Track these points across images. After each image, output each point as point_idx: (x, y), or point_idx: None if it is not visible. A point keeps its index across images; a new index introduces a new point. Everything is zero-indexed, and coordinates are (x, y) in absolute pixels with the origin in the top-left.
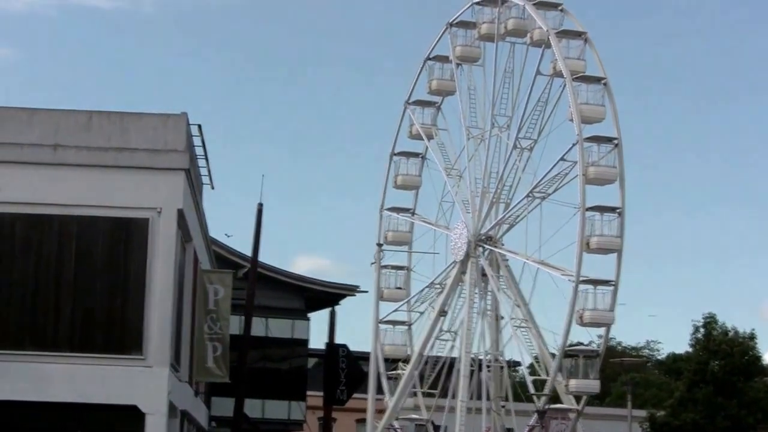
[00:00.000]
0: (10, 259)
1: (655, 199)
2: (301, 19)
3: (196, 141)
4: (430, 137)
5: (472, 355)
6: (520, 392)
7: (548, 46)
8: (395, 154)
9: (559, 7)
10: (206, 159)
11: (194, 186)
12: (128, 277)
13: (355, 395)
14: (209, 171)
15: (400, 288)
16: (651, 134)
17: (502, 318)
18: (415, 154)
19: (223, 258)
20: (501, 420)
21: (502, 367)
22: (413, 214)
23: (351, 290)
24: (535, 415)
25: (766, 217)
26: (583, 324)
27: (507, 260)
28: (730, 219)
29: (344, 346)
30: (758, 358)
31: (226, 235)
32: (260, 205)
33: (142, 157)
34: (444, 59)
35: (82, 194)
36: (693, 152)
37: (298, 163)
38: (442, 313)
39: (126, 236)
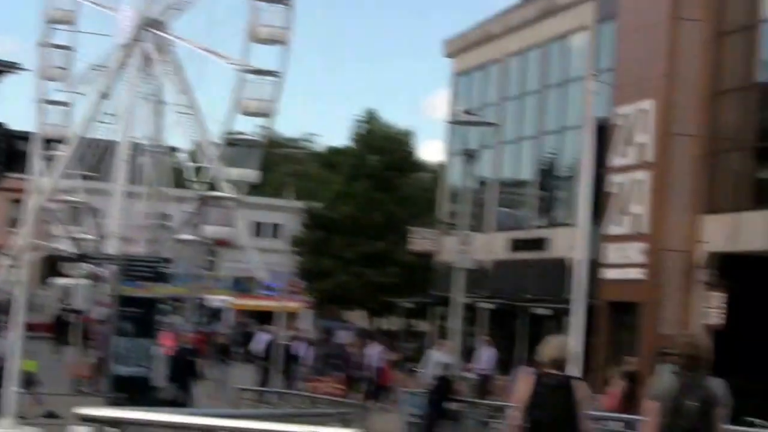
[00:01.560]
0: None
1: None
2: None
3: None
4: None
5: (133, 140)
6: (179, 179)
7: None
8: None
9: None
10: None
11: None
12: None
13: (13, 175)
14: None
15: (63, 68)
16: None
17: (166, 104)
18: None
19: None
20: (159, 206)
21: (162, 153)
22: None
23: (12, 68)
24: (194, 202)
25: (424, 18)
26: (246, 113)
27: (174, 46)
28: (390, 18)
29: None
30: (413, 155)
31: None
32: None
33: None
34: None
35: None
36: None
37: None
38: (104, 95)
39: None
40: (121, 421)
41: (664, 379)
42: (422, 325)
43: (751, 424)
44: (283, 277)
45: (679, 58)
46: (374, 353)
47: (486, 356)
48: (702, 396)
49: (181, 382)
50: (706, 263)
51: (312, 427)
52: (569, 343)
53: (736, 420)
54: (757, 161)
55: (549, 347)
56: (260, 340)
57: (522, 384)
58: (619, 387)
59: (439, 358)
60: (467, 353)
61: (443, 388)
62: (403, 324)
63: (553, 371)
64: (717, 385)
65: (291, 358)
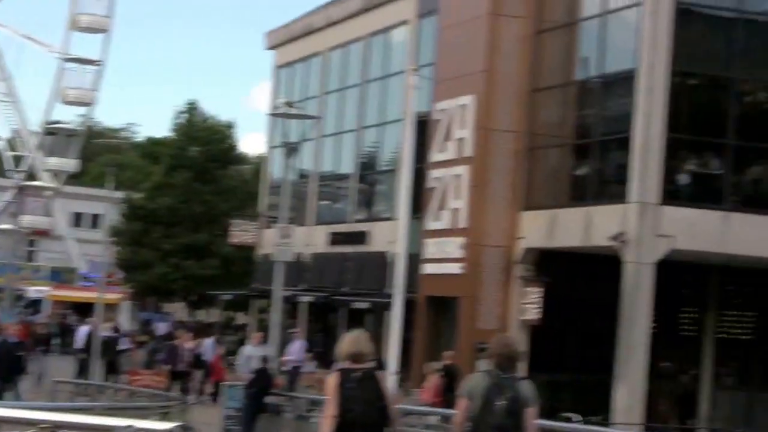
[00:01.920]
0: None
1: None
2: None
3: None
4: None
5: None
6: None
7: None
8: None
9: None
10: None
11: None
12: None
13: None
14: None
15: None
16: None
17: None
18: None
19: None
20: None
21: None
22: None
23: None
24: (12, 191)
25: (249, 9)
26: (66, 102)
27: None
28: (215, 9)
29: None
30: (235, 147)
31: None
32: None
33: None
34: None
35: None
36: None
37: None
38: None
39: None
40: None
41: (475, 376)
42: (243, 318)
43: (568, 420)
44: (103, 268)
45: (499, 55)
46: (207, 346)
47: (296, 348)
48: (511, 395)
49: (7, 377)
50: (523, 259)
51: (130, 421)
52: (365, 337)
53: (552, 416)
54: (575, 158)
55: (345, 342)
56: (80, 332)
57: (330, 379)
58: (435, 381)
59: (253, 351)
60: (285, 346)
61: (261, 381)
62: (223, 316)
63: (356, 365)
64: (526, 386)
65: (111, 350)
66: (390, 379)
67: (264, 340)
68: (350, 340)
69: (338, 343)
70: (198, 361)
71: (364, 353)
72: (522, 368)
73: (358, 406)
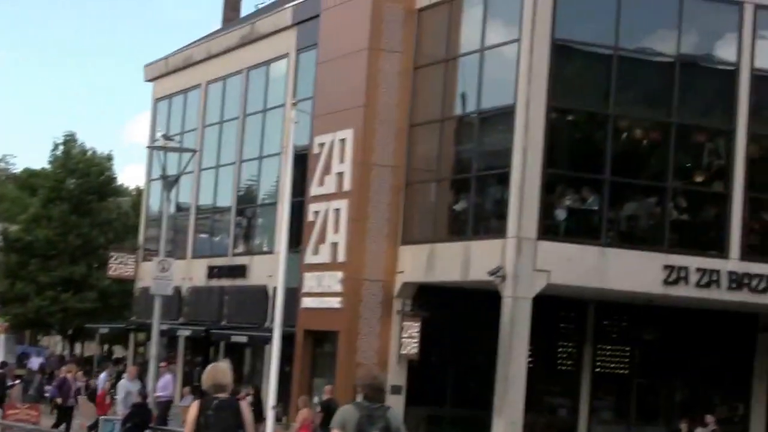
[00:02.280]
0: None
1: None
2: None
3: None
4: None
5: None
6: None
7: None
8: None
9: None
10: None
11: None
12: None
13: None
14: None
15: None
16: None
17: None
18: None
19: None
20: None
21: None
22: None
23: None
24: None
25: (127, 42)
26: None
27: None
28: (94, 41)
29: None
30: (113, 180)
31: None
32: None
33: None
34: None
35: None
36: None
37: None
38: None
39: None
40: None
41: (346, 408)
42: (121, 351)
43: None
44: None
45: (378, 89)
46: (100, 380)
47: (163, 383)
48: (382, 425)
49: None
50: (402, 293)
51: None
52: (225, 368)
53: None
54: (454, 193)
55: (207, 374)
56: None
57: (191, 409)
58: (309, 416)
59: (129, 385)
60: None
61: (139, 416)
62: (100, 350)
63: (218, 395)
64: (395, 414)
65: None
66: (269, 413)
67: (139, 374)
68: (212, 372)
69: (203, 375)
70: (92, 395)
71: (223, 384)
72: (400, 402)
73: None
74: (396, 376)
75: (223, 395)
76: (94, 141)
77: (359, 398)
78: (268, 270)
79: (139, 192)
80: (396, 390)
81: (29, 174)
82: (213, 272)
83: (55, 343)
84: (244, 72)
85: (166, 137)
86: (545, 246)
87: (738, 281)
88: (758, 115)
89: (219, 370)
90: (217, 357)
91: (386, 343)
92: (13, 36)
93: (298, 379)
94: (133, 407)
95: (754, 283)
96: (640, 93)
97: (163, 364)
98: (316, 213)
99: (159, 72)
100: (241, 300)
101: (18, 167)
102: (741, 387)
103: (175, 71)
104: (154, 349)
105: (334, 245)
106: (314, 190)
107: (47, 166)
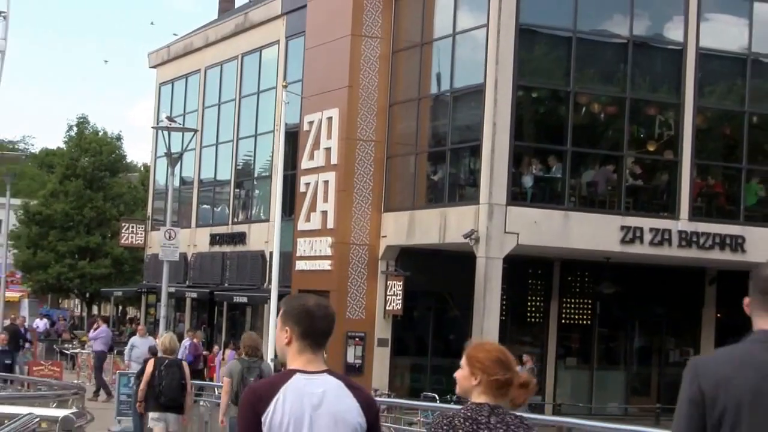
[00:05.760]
0: None
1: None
2: None
3: None
4: None
5: None
6: None
7: None
8: None
9: None
10: None
11: None
12: None
13: None
14: None
15: None
16: None
17: None
18: None
19: None
20: None
21: None
22: None
23: None
24: None
25: (134, 30)
26: None
27: None
28: (104, 25)
29: None
30: (123, 157)
31: None
32: None
33: None
34: None
35: None
36: None
37: None
38: None
39: None
40: None
41: (232, 363)
42: (133, 312)
43: (434, 399)
44: (3, 269)
45: (360, 72)
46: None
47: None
48: (257, 374)
49: None
50: (385, 255)
51: (30, 408)
52: (173, 336)
53: (415, 395)
54: (431, 164)
55: (162, 341)
56: None
57: (148, 366)
58: None
59: (139, 342)
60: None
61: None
62: (115, 311)
63: (166, 356)
64: (267, 366)
65: (13, 344)
66: (269, 365)
67: (149, 332)
68: (165, 340)
69: (160, 341)
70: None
71: (172, 348)
72: (386, 353)
73: (164, 384)
74: (382, 330)
75: (170, 356)
76: (104, 122)
77: (243, 355)
78: (265, 236)
79: (146, 168)
80: (383, 343)
81: (46, 153)
82: (215, 239)
83: (74, 306)
84: (239, 58)
85: (170, 118)
86: (514, 211)
87: (687, 239)
88: (703, 90)
89: (170, 338)
90: (221, 317)
91: (372, 300)
92: (30, 28)
93: None
94: (144, 362)
95: (701, 240)
96: (597, 71)
97: (190, 332)
98: (307, 184)
99: (161, 59)
100: (241, 264)
101: (36, 147)
102: (691, 334)
103: (176, 58)
104: (163, 309)
105: (324, 213)
106: (305, 164)
107: (62, 145)
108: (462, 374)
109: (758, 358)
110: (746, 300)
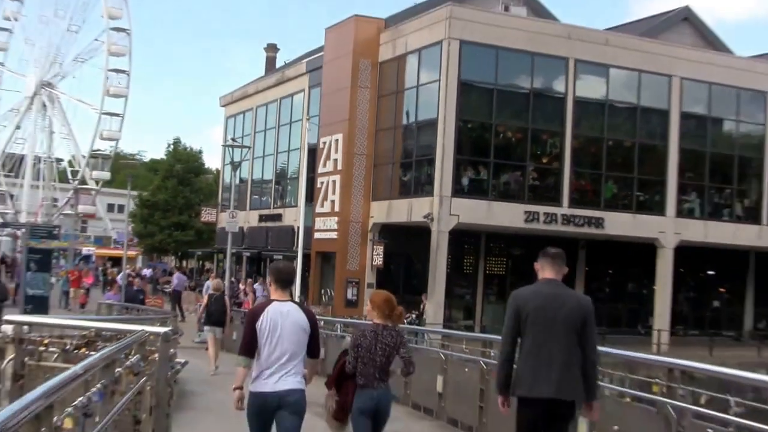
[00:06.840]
0: None
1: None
2: None
3: None
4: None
5: (35, 154)
6: (63, 177)
7: None
8: None
9: None
10: None
11: None
12: None
13: None
14: None
15: None
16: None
17: (54, 132)
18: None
19: None
20: (51, 193)
21: (52, 162)
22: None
23: None
24: (71, 191)
25: (209, 81)
26: (102, 139)
27: (59, 97)
28: (187, 79)
29: None
30: (203, 164)
31: None
32: None
33: None
34: None
35: None
36: None
37: None
38: (18, 127)
39: None
40: (29, 324)
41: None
42: (209, 265)
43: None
44: (125, 236)
45: (356, 109)
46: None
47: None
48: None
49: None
50: (372, 229)
51: (143, 326)
52: (220, 280)
53: None
54: (402, 170)
55: (214, 283)
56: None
57: (205, 298)
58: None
59: (210, 284)
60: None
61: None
62: (197, 264)
63: (215, 292)
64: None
65: (133, 285)
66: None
67: (218, 277)
68: (215, 283)
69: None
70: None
71: (221, 287)
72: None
73: (215, 310)
74: (369, 277)
75: (218, 292)
76: (191, 141)
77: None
78: (294, 216)
79: (218, 172)
80: (370, 286)
81: (153, 162)
82: (262, 218)
83: (170, 260)
84: (278, 100)
85: (233, 139)
86: (456, 200)
87: (567, 220)
88: (578, 123)
89: (219, 282)
90: (265, 269)
91: (364, 258)
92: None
93: (313, 282)
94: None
95: (577, 221)
96: (510, 111)
97: (259, 279)
98: (322, 183)
99: (228, 101)
100: (278, 234)
101: (147, 157)
102: (568, 285)
103: (237, 100)
104: (228, 262)
105: (333, 201)
106: (320, 169)
107: (164, 156)
108: (368, 308)
109: (542, 291)
110: (536, 264)
